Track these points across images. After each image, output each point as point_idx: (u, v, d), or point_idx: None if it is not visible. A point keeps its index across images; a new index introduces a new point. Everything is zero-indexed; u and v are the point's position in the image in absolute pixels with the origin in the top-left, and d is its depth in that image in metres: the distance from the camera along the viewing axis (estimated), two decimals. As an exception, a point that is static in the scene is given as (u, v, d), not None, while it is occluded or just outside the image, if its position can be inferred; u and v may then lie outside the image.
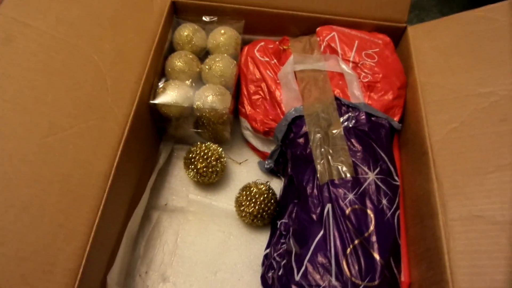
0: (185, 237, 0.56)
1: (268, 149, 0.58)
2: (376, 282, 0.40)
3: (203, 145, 0.56)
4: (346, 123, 0.49)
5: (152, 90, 0.55)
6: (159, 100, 0.54)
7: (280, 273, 0.45)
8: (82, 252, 0.40)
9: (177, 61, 0.56)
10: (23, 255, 0.38)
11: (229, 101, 0.55)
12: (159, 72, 0.57)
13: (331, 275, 0.41)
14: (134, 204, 0.53)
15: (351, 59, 0.55)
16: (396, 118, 0.52)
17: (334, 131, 0.49)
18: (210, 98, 0.54)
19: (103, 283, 0.45)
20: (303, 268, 0.42)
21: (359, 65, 0.54)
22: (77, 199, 0.42)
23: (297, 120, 0.51)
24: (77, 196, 0.42)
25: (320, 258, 0.42)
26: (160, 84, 0.56)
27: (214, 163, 0.55)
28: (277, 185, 0.59)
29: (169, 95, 0.54)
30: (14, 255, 0.38)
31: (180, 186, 0.60)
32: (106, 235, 0.45)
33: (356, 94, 0.51)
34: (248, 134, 0.60)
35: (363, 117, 0.50)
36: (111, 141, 0.47)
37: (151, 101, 0.54)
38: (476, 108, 0.47)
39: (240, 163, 0.61)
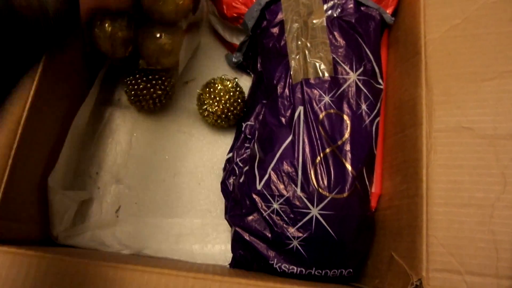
0: (140, 137, 0.50)
1: (237, 40, 0.50)
2: (345, 194, 0.37)
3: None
4: (330, 12, 0.41)
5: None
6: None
7: (241, 180, 0.41)
8: (7, 151, 0.34)
9: None
10: None
11: None
12: None
13: (296, 185, 0.37)
14: (79, 99, 0.46)
15: None
16: (389, 11, 0.44)
17: (315, 21, 0.41)
18: None
19: (42, 186, 0.40)
20: (267, 176, 0.38)
21: None
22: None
23: (272, 5, 0.43)
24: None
25: (286, 167, 0.37)
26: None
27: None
28: (246, 83, 0.52)
29: None
30: None
31: (136, 79, 0.53)
32: (41, 132, 0.39)
33: (345, -24, 0.42)
34: (214, 20, 0.51)
35: (351, 5, 0.41)
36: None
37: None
38: (485, 3, 0.39)
39: (187, 82, 0.53)
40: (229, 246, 0.44)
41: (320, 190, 0.36)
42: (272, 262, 0.38)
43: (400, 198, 0.39)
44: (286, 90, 0.40)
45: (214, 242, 0.46)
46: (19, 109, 0.35)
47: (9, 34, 0.28)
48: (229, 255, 0.44)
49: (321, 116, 0.38)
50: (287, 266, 0.37)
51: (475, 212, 0.34)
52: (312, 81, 0.39)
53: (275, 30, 0.42)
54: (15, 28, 0.28)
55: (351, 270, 0.38)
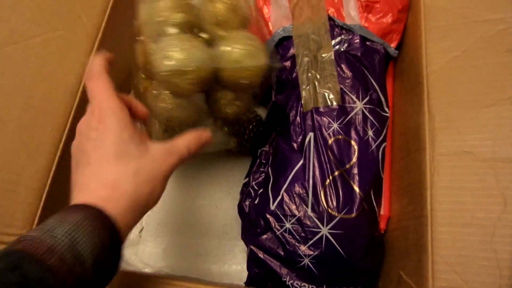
0: (163, 162, 0.54)
1: (254, 73, 0.54)
2: (353, 215, 0.39)
3: None
4: (337, 47, 0.45)
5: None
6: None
7: (256, 202, 0.44)
8: (47, 172, 0.38)
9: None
10: (-18, 172, 0.37)
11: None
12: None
13: (307, 206, 0.39)
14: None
15: (350, -26, 0.49)
16: (393, 45, 0.48)
17: (323, 55, 0.44)
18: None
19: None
20: (279, 197, 0.41)
21: (358, -19, 0.48)
22: (42, 116, 0.40)
23: (285, 42, 0.47)
24: (41, 112, 0.40)
25: (297, 188, 0.40)
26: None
27: None
28: (262, 113, 0.55)
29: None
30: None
31: (160, 109, 0.57)
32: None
33: (352, 14, 0.46)
34: (233, 56, 0.55)
35: (357, 40, 0.45)
36: (79, 54, 0.43)
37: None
38: (482, 36, 0.42)
39: None
40: (245, 266, 0.46)
41: (329, 210, 0.39)
42: (285, 279, 0.40)
43: (407, 219, 0.41)
44: (298, 118, 0.43)
45: (231, 262, 0.48)
46: (58, 133, 0.39)
47: None
48: (245, 275, 0.46)
49: (330, 141, 0.41)
50: (299, 283, 0.39)
51: (477, 232, 0.35)
52: (321, 109, 0.42)
53: (288, 63, 0.46)
54: None
55: (361, 289, 0.40)
